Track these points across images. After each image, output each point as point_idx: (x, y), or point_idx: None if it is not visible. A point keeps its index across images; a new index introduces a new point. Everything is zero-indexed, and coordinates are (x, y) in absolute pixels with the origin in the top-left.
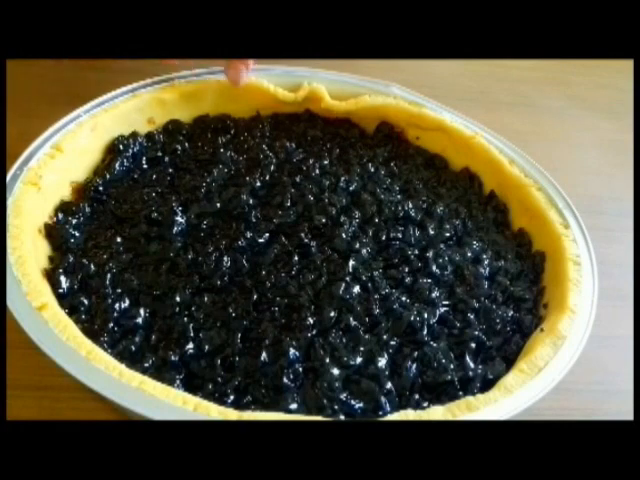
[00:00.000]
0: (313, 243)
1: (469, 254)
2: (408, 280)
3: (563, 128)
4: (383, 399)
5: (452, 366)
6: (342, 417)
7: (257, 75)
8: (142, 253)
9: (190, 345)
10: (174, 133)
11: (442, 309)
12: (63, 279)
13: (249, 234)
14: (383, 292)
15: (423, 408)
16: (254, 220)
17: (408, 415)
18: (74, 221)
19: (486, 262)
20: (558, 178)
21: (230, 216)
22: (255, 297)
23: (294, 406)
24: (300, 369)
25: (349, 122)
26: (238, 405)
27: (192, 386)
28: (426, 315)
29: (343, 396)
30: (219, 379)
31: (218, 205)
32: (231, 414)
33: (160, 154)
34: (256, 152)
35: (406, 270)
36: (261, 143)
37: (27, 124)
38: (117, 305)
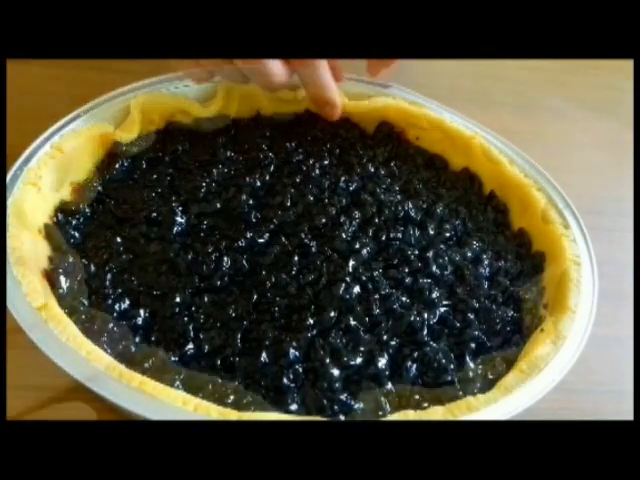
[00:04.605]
0: (313, 243)
1: (469, 254)
2: (408, 280)
3: (563, 128)
4: (383, 399)
5: (452, 366)
6: (342, 417)
7: None
8: (142, 253)
9: (190, 345)
10: (174, 133)
11: (442, 309)
12: (63, 279)
13: (249, 234)
14: (383, 292)
15: (423, 408)
16: (254, 220)
17: (408, 415)
18: (74, 221)
19: (486, 262)
20: (558, 178)
21: (230, 216)
22: (255, 297)
23: (294, 407)
24: (300, 369)
25: (349, 122)
26: (238, 406)
27: (192, 387)
28: (426, 315)
29: (343, 396)
30: (219, 380)
31: (218, 205)
32: (231, 414)
33: (160, 154)
34: (256, 152)
35: (406, 270)
36: (261, 143)
37: (27, 124)
38: (117, 305)
